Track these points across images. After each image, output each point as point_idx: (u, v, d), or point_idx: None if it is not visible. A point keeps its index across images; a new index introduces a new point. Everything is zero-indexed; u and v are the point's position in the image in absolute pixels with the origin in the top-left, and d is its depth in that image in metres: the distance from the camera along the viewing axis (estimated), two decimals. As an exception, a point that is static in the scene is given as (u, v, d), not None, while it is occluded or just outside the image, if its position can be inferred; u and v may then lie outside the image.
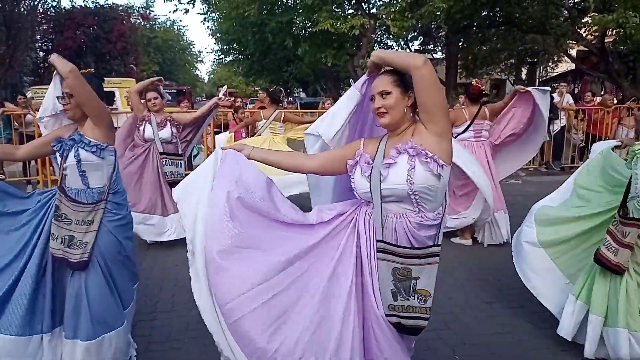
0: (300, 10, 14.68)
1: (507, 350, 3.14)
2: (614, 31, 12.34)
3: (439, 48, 21.04)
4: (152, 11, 31.60)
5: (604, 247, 2.83)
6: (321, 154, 2.23)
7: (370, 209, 2.00)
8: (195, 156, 8.82)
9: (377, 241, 1.93)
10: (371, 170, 1.95)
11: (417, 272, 1.90)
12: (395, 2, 12.97)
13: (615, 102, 10.38)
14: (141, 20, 28.27)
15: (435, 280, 2.00)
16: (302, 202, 2.64)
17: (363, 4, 15.19)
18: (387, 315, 1.93)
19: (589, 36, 13.63)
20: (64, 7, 22.80)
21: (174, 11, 26.01)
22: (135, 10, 27.44)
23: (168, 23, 38.84)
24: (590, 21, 12.85)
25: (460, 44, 18.29)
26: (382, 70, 2.07)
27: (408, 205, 1.92)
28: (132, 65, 24.82)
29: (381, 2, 15.01)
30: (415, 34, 19.44)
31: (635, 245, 2.76)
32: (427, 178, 1.87)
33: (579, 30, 13.30)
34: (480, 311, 3.68)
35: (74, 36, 21.11)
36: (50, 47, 22.31)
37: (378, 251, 1.92)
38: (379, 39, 19.42)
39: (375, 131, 2.26)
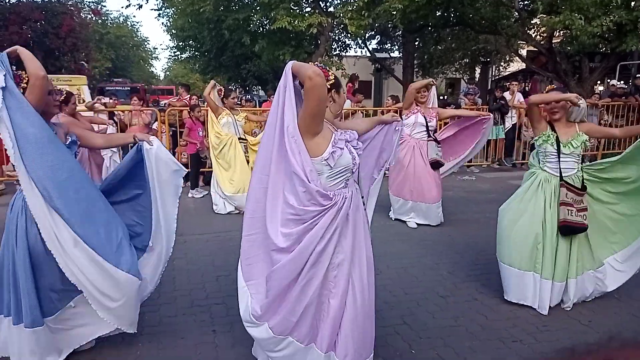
0: (258, 8, 14.56)
1: (461, 342, 3.21)
2: (561, 32, 12.86)
3: (396, 47, 21.36)
4: (104, 6, 30.29)
5: (569, 215, 3.49)
6: None
7: (349, 186, 2.44)
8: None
9: (362, 197, 2.57)
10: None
11: None
12: (352, 1, 13.06)
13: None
14: (92, 15, 27.25)
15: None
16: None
17: (321, 2, 15.23)
18: None
19: (538, 37, 14.14)
20: (8, 0, 21.68)
21: (127, 6, 25.16)
22: (85, 5, 26.42)
23: (121, 19, 37.74)
24: (539, 22, 13.35)
25: (417, 43, 18.63)
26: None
27: None
28: (83, 62, 23.90)
29: (339, 1, 15.10)
30: (373, 33, 19.67)
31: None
32: None
33: (528, 31, 13.77)
34: (435, 305, 3.76)
35: (19, 31, 20.09)
36: (-6, 43, 21.22)
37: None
38: (336, 38, 19.48)
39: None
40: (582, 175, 3.61)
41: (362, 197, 2.57)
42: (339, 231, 2.36)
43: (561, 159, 3.57)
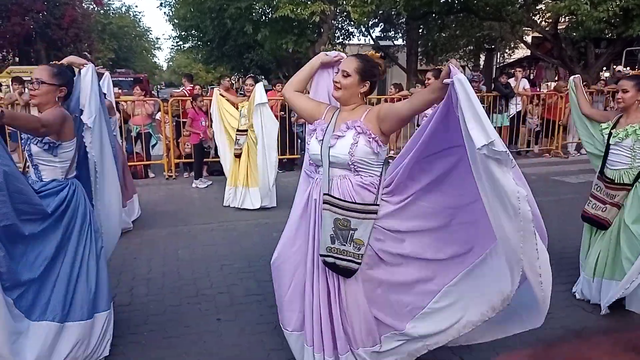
0: (260, -4, 14.46)
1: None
2: (567, 18, 12.72)
3: (400, 35, 21.20)
4: (106, -4, 30.36)
5: (589, 207, 3.47)
6: (302, 95, 2.56)
7: (320, 173, 2.33)
8: (153, 146, 8.61)
9: (324, 194, 2.27)
10: (324, 137, 2.29)
11: (355, 224, 2.22)
12: (355, -13, 12.92)
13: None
14: (94, 6, 27.20)
15: None
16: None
17: (323, -11, 15.08)
18: (324, 255, 2.26)
19: (543, 23, 14.00)
20: (11, -9, 21.63)
21: (129, -4, 24.92)
22: (87, -5, 26.36)
23: (123, 9, 37.63)
24: (544, 8, 13.21)
25: (420, 30, 18.46)
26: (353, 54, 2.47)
27: (348, 171, 2.28)
28: (85, 53, 23.89)
29: (341, -12, 14.94)
30: (376, 20, 19.51)
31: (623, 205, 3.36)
32: (366, 152, 2.23)
33: (533, 17, 13.63)
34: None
35: (22, 22, 20.08)
36: (-4, 34, 21.23)
37: (324, 202, 2.26)
38: (339, 26, 19.36)
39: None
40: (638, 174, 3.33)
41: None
42: (310, 217, 2.37)
43: (610, 151, 3.43)
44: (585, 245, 3.67)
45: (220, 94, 6.88)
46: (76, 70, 2.84)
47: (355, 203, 2.23)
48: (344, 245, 2.22)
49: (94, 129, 2.74)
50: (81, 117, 2.74)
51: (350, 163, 2.24)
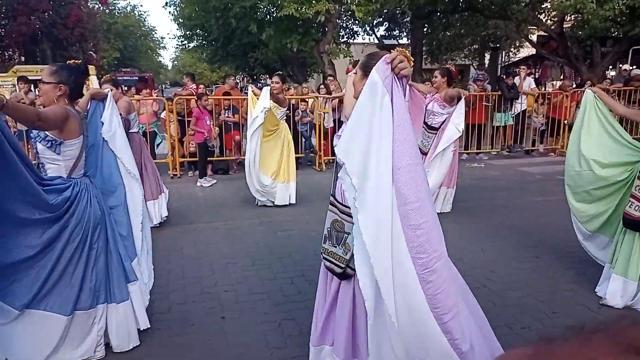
0: (264, -5, 14.44)
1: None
2: (572, 16, 12.66)
3: (404, 34, 21.15)
4: (111, -5, 30.46)
5: (631, 209, 3.29)
6: None
7: None
8: (158, 145, 8.64)
9: (330, 195, 2.31)
10: None
11: (348, 228, 2.17)
12: (359, -14, 12.90)
13: (574, 86, 10.68)
14: (100, 5, 27.31)
15: None
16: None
17: (327, -12, 15.05)
18: (321, 253, 2.32)
19: (548, 21, 13.94)
20: (17, -9, 21.73)
21: (134, -4, 24.98)
22: (92, -5, 26.44)
23: (128, 8, 37.77)
24: (549, 6, 13.15)
25: (425, 29, 18.42)
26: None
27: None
28: (91, 52, 23.99)
29: (346, -13, 14.91)
30: (381, 19, 19.48)
31: None
32: None
33: (539, 15, 13.57)
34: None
35: (28, 22, 20.19)
36: (2, 34, 21.35)
37: (329, 203, 2.30)
38: (344, 25, 19.33)
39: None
40: None
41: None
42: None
43: None
44: (622, 247, 3.46)
45: (252, 91, 6.58)
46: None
47: (345, 206, 2.17)
48: (335, 247, 2.22)
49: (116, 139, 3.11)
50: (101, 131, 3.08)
51: (339, 161, 2.18)
